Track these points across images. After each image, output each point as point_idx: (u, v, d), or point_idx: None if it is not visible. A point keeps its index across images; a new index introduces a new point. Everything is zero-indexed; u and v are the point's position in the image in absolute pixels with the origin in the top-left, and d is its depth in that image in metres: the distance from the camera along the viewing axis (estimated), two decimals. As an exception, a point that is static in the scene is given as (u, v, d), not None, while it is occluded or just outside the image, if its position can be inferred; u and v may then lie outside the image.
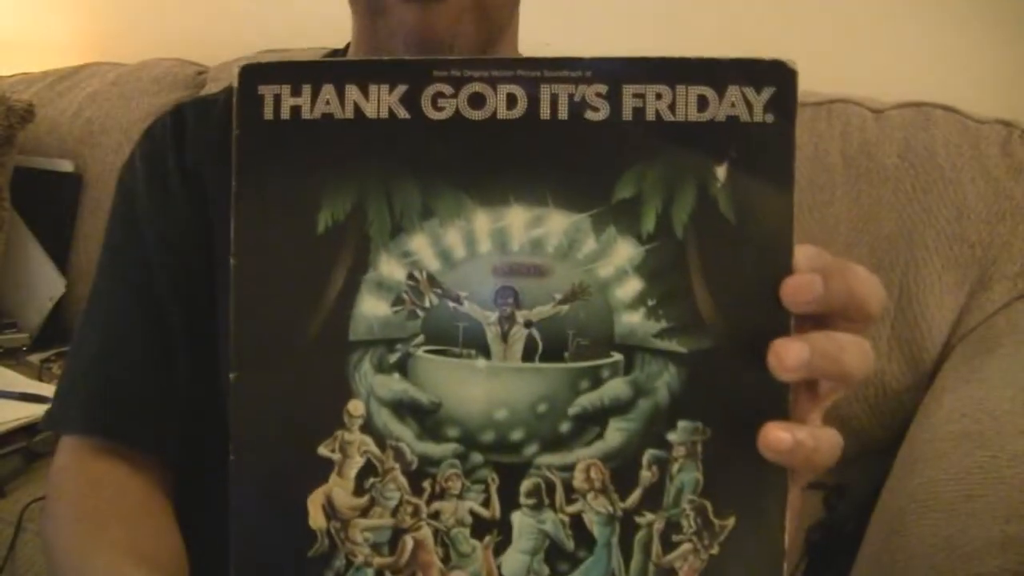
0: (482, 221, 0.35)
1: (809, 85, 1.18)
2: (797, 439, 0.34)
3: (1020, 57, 1.18)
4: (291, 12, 1.57)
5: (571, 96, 0.35)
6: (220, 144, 0.67)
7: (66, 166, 1.53)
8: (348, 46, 0.71)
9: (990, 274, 1.02)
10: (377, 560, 0.36)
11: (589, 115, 0.35)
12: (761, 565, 0.36)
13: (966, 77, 1.20)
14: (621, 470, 0.36)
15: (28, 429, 1.09)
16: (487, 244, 0.35)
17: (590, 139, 0.35)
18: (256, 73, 0.36)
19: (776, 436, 0.34)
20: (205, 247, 0.64)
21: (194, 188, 0.65)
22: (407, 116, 0.35)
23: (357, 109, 0.36)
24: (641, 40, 1.36)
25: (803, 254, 0.35)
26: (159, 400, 0.62)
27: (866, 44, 1.25)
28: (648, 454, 0.36)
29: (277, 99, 0.36)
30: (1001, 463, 0.69)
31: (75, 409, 0.62)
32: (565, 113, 0.35)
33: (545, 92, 0.35)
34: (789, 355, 0.34)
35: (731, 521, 0.36)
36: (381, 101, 0.36)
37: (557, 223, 0.35)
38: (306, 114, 0.36)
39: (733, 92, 0.35)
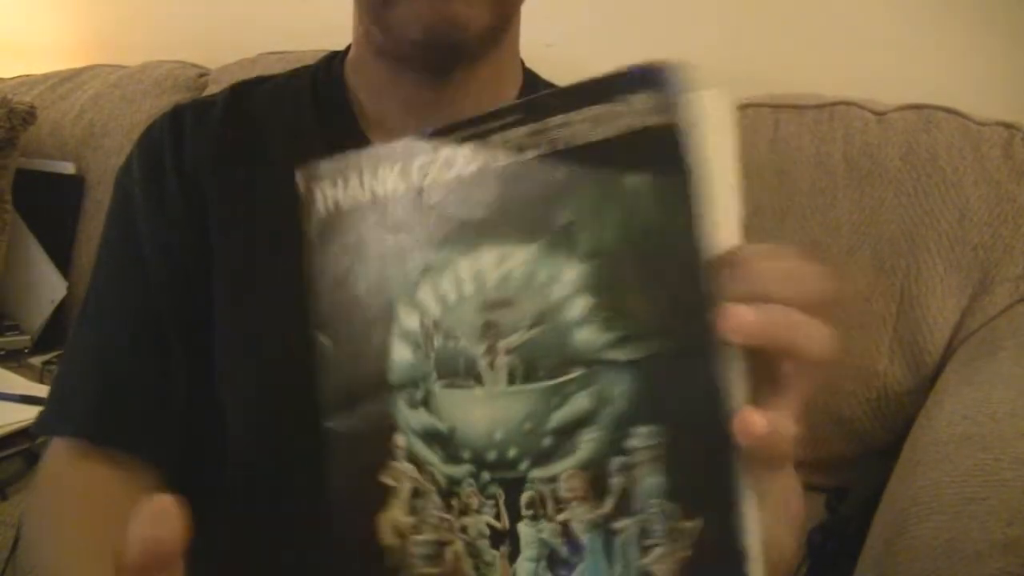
0: (464, 266, 0.40)
1: (811, 88, 1.19)
2: (769, 422, 0.34)
3: (1021, 59, 1.18)
4: (292, 15, 1.58)
5: (512, 140, 0.38)
6: (219, 146, 0.67)
7: (68, 168, 1.53)
8: (349, 48, 0.71)
9: (992, 277, 1.02)
10: (428, 570, 0.41)
11: (529, 153, 0.38)
12: (732, 565, 0.36)
13: (968, 79, 1.20)
14: (596, 479, 0.38)
15: (29, 431, 1.09)
16: (470, 286, 0.40)
17: (533, 175, 0.38)
18: (312, 175, 0.42)
19: (750, 419, 0.34)
20: (202, 249, 0.64)
21: (192, 190, 0.65)
22: (404, 188, 0.41)
23: (372, 191, 0.41)
24: (642, 41, 1.36)
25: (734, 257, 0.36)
26: (154, 405, 0.61)
27: (867, 47, 1.25)
28: (615, 461, 0.37)
29: (324, 196, 0.43)
30: (1003, 465, 0.69)
31: (68, 413, 0.62)
32: (511, 157, 0.38)
33: (494, 142, 0.39)
34: (738, 316, 0.34)
35: (698, 522, 0.37)
36: (388, 180, 0.41)
37: (518, 256, 0.39)
38: (343, 204, 0.42)
39: (621, 105, 0.36)
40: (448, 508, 0.41)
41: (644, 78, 0.35)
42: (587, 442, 0.38)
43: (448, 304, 0.40)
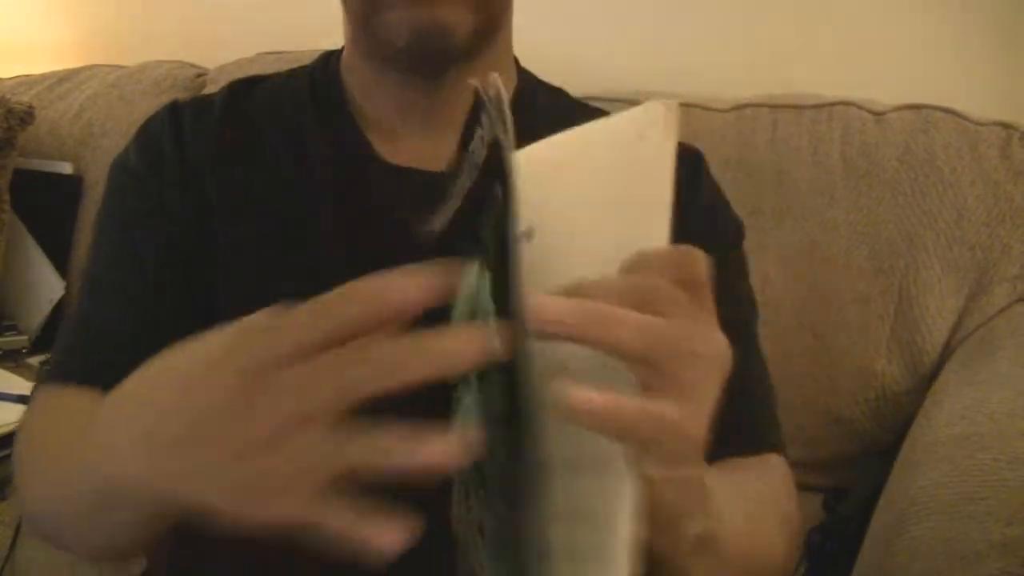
0: (464, 286, 0.42)
1: (810, 88, 1.18)
2: (601, 399, 0.35)
3: (1019, 59, 1.18)
4: (291, 15, 1.57)
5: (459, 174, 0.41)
6: (218, 145, 0.67)
7: (66, 168, 1.52)
8: (344, 47, 0.71)
9: (990, 277, 1.02)
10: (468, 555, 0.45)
11: (464, 182, 0.41)
12: (527, 557, 0.40)
13: (966, 79, 1.20)
14: (480, 480, 0.42)
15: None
16: (463, 302, 0.42)
17: (472, 196, 0.41)
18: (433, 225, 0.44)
19: (580, 395, 0.35)
20: (201, 248, 0.64)
21: (191, 186, 0.65)
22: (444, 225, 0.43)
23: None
24: (639, 41, 1.36)
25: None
26: None
27: (866, 47, 1.25)
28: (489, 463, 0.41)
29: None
30: (1001, 465, 0.69)
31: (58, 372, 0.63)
32: (468, 186, 0.41)
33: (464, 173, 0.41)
34: (549, 307, 0.36)
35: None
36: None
37: (472, 272, 0.42)
38: None
39: (482, 126, 0.39)
40: (466, 504, 0.44)
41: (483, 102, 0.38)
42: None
43: (461, 321, 0.43)
